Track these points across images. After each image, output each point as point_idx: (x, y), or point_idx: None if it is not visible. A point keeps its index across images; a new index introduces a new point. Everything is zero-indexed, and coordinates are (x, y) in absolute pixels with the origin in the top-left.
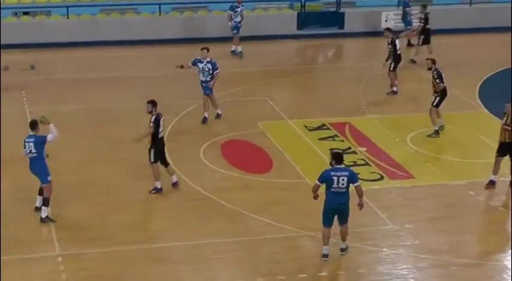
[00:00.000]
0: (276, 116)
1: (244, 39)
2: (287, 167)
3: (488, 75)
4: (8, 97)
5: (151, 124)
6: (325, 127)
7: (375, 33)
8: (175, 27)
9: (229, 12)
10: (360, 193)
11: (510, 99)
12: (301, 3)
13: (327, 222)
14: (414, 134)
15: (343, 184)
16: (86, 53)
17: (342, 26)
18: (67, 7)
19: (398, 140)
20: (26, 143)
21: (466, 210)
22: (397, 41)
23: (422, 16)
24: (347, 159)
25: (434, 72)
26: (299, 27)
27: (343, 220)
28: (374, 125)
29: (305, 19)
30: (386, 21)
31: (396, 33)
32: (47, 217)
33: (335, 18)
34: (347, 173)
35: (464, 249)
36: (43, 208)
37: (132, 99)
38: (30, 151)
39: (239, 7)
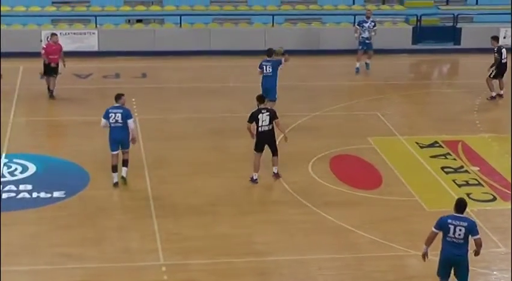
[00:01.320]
0: (387, 131)
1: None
2: (397, 185)
3: None
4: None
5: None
6: (437, 145)
7: (489, 50)
8: (288, 39)
9: (357, 27)
10: (478, 247)
11: None
12: (417, 18)
13: (442, 274)
14: None
15: (459, 235)
16: (198, 62)
17: (458, 42)
18: (180, 15)
19: None
20: (112, 114)
21: None
22: (503, 50)
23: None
24: (459, 178)
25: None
26: (414, 42)
27: (461, 277)
28: (488, 144)
29: (421, 34)
30: (504, 37)
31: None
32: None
33: (451, 34)
34: (465, 224)
35: None
36: (124, 168)
37: (242, 109)
38: (117, 120)
39: (367, 22)
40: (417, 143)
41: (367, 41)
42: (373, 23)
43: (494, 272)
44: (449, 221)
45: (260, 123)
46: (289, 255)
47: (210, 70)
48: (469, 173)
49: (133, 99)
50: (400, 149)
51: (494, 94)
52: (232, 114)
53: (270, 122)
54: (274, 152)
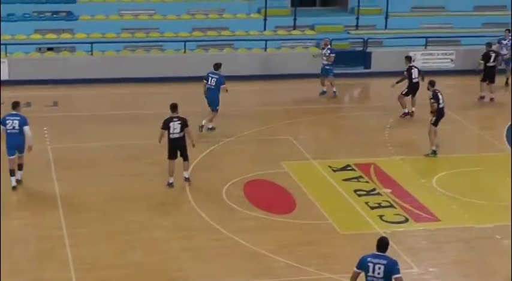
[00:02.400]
0: (300, 156)
1: (270, 77)
2: (310, 208)
3: None
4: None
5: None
6: (349, 168)
7: (401, 73)
8: (200, 65)
9: (320, 52)
10: None
11: None
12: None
13: None
14: (440, 175)
15: (379, 273)
16: (110, 90)
17: (368, 66)
18: (91, 43)
19: (424, 182)
20: (9, 120)
21: (491, 254)
22: (413, 70)
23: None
24: (372, 200)
25: (431, 93)
26: None
27: None
28: (399, 166)
29: None
30: (413, 60)
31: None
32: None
33: (362, 58)
34: (385, 262)
35: None
36: (20, 172)
37: (156, 136)
38: (14, 127)
39: (324, 48)
40: (330, 166)
41: (326, 67)
42: (329, 51)
43: None
44: (369, 259)
45: (171, 131)
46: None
47: (122, 97)
48: (381, 195)
49: (44, 128)
50: (313, 173)
51: (406, 111)
52: (146, 141)
53: (181, 130)
54: (185, 158)
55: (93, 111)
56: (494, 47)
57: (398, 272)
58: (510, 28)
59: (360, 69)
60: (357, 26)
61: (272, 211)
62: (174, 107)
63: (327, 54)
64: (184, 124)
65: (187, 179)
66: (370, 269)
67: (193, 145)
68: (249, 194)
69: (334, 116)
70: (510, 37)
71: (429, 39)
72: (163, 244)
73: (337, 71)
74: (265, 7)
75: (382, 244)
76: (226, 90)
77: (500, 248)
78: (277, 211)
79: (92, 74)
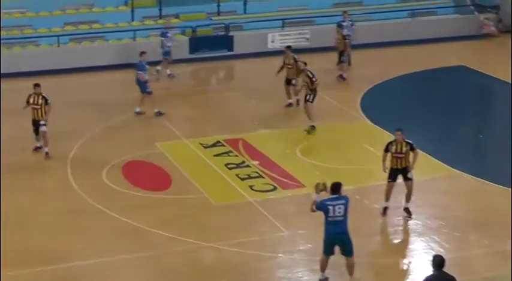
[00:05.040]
0: (173, 136)
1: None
2: (186, 184)
3: (368, 88)
4: None
5: None
6: (219, 144)
7: (263, 54)
8: (74, 57)
9: (161, 38)
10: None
11: (398, 128)
12: (192, 29)
13: (327, 251)
14: (303, 145)
15: (339, 212)
16: None
17: (231, 49)
18: None
19: (289, 152)
20: None
21: (353, 213)
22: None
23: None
24: (242, 172)
25: (309, 72)
26: (191, 51)
27: (346, 252)
28: (265, 139)
29: (197, 43)
30: (272, 41)
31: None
32: None
33: (225, 42)
34: (343, 201)
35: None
36: None
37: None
38: None
39: (168, 32)
40: (201, 144)
41: (170, 50)
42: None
43: (280, 255)
44: (328, 203)
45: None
46: (91, 259)
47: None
48: (251, 167)
49: None
50: (186, 151)
51: (290, 101)
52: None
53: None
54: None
55: None
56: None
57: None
58: (347, 10)
59: (224, 52)
60: (218, 13)
61: (150, 189)
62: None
63: (171, 37)
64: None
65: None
66: (331, 211)
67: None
68: (128, 174)
69: (202, 97)
70: (349, 18)
71: (286, 21)
72: (48, 227)
73: (202, 55)
74: None
75: (336, 187)
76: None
77: (360, 207)
78: (155, 188)
79: None
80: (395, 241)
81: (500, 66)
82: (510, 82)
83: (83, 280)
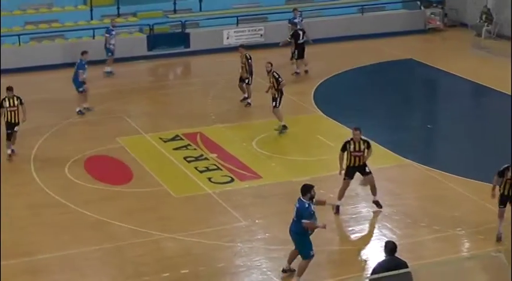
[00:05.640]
0: (134, 131)
1: (99, 62)
2: (146, 177)
3: (320, 81)
4: None
5: None
6: (178, 138)
7: (218, 50)
8: (35, 56)
9: (106, 35)
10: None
11: (355, 126)
12: (150, 27)
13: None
14: (259, 138)
15: (294, 214)
16: None
17: (188, 45)
18: None
19: (245, 145)
20: None
21: None
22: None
23: (291, 32)
24: (200, 165)
25: (275, 73)
26: (149, 49)
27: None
28: (223, 132)
29: (154, 41)
30: (228, 38)
31: None
32: None
33: (181, 39)
34: (297, 206)
35: None
36: None
37: None
38: None
39: (113, 30)
40: (161, 138)
41: (114, 47)
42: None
43: (239, 244)
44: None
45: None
46: (55, 252)
47: None
48: (209, 160)
49: None
50: (146, 145)
51: (246, 96)
52: None
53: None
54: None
55: None
56: (288, 26)
57: (304, 219)
58: (297, 7)
59: (181, 49)
60: (175, 11)
61: (112, 183)
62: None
63: (115, 35)
64: (20, 102)
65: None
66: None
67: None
68: (90, 169)
69: (161, 92)
70: (299, 15)
71: (240, 18)
72: (13, 222)
73: (159, 52)
74: None
75: (303, 188)
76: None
77: (317, 197)
78: (116, 182)
79: None
80: (350, 229)
81: (446, 59)
82: (492, 87)
83: (48, 273)
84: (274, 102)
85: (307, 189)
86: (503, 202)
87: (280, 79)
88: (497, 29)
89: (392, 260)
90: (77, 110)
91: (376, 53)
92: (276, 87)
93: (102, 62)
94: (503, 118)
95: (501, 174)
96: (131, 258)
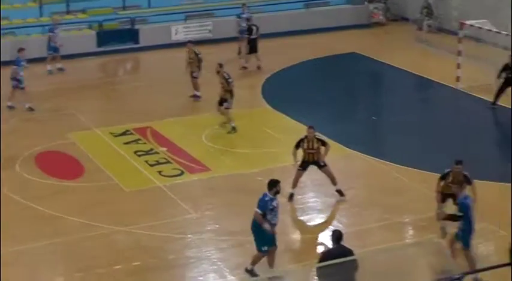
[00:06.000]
0: (84, 126)
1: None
2: (98, 172)
3: (268, 76)
4: None
5: None
6: (129, 132)
7: (167, 46)
8: None
9: (50, 34)
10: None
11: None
12: (99, 23)
13: None
14: (208, 132)
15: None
16: None
17: (137, 41)
18: None
19: (195, 138)
20: None
21: (258, 194)
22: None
23: (246, 27)
24: (151, 159)
25: (225, 74)
26: (99, 45)
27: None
28: (172, 127)
29: (104, 37)
30: (176, 34)
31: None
32: None
33: (131, 35)
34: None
35: None
36: None
37: None
38: None
39: (57, 28)
40: (111, 133)
41: (56, 46)
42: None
43: (189, 236)
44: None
45: None
46: (7, 248)
47: None
48: (159, 153)
49: None
50: (97, 140)
51: (197, 93)
52: None
53: None
54: None
55: None
56: (236, 21)
57: (257, 207)
58: (246, 2)
59: (130, 45)
60: (124, 7)
61: (63, 178)
62: None
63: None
64: None
65: None
66: None
67: None
68: (41, 164)
69: (111, 88)
70: (247, 11)
71: (188, 14)
72: None
73: (109, 48)
74: None
75: (270, 182)
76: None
77: (265, 188)
78: (68, 177)
79: None
80: (298, 218)
81: (389, 52)
82: (433, 79)
83: (7, 267)
84: (225, 103)
85: (273, 184)
86: (443, 199)
87: (230, 79)
88: (438, 23)
89: (339, 248)
90: (26, 106)
91: (322, 47)
92: (226, 88)
93: (51, 59)
94: (444, 109)
95: (443, 177)
96: (83, 251)
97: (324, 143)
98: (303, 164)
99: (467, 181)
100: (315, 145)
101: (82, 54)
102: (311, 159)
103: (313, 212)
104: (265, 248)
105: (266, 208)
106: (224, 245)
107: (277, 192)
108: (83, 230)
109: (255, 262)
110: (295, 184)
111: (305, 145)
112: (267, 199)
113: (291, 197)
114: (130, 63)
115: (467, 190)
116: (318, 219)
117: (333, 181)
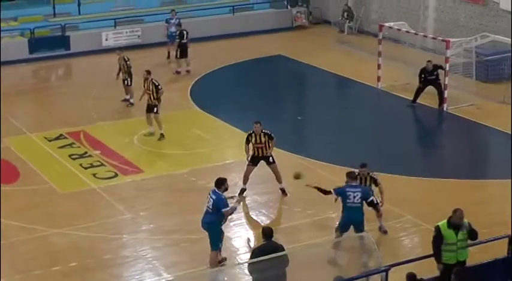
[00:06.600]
0: (19, 131)
1: None
2: (33, 176)
3: (197, 79)
4: None
5: None
6: (63, 137)
7: (97, 51)
8: None
9: None
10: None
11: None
12: (31, 31)
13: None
14: (139, 135)
15: (210, 205)
16: None
17: (68, 48)
18: None
19: (127, 141)
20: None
21: (190, 194)
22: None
23: (175, 32)
24: (85, 162)
25: (154, 81)
26: (31, 52)
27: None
28: (105, 130)
29: (36, 44)
30: (106, 40)
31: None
32: None
33: (62, 41)
34: (214, 197)
35: (192, 227)
36: None
37: None
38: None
39: None
40: (45, 137)
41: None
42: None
43: (124, 236)
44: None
45: None
46: None
47: None
48: (93, 156)
49: None
50: (31, 145)
51: (128, 97)
52: None
53: None
54: None
55: None
56: (164, 26)
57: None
58: (174, 8)
59: (61, 52)
60: (54, 15)
61: None
62: None
63: None
64: None
65: None
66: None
67: None
68: None
69: (44, 94)
70: (176, 16)
71: (117, 20)
72: None
73: (41, 55)
74: None
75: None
76: None
77: (197, 188)
78: (3, 181)
79: None
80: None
81: (312, 53)
82: (354, 79)
83: None
84: (154, 110)
85: (221, 182)
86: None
87: (159, 87)
88: (358, 25)
89: (269, 244)
90: None
91: (248, 50)
92: (155, 96)
93: None
94: (366, 108)
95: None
96: (21, 254)
97: (271, 137)
98: (252, 159)
99: (375, 182)
100: (263, 139)
101: (15, 61)
102: (260, 154)
103: (243, 210)
104: (220, 245)
105: (228, 204)
106: (159, 244)
107: (226, 189)
108: (20, 233)
109: (213, 262)
110: (245, 180)
111: (253, 140)
112: (223, 197)
113: (242, 192)
114: (62, 69)
115: (376, 192)
116: (248, 216)
117: (279, 179)
